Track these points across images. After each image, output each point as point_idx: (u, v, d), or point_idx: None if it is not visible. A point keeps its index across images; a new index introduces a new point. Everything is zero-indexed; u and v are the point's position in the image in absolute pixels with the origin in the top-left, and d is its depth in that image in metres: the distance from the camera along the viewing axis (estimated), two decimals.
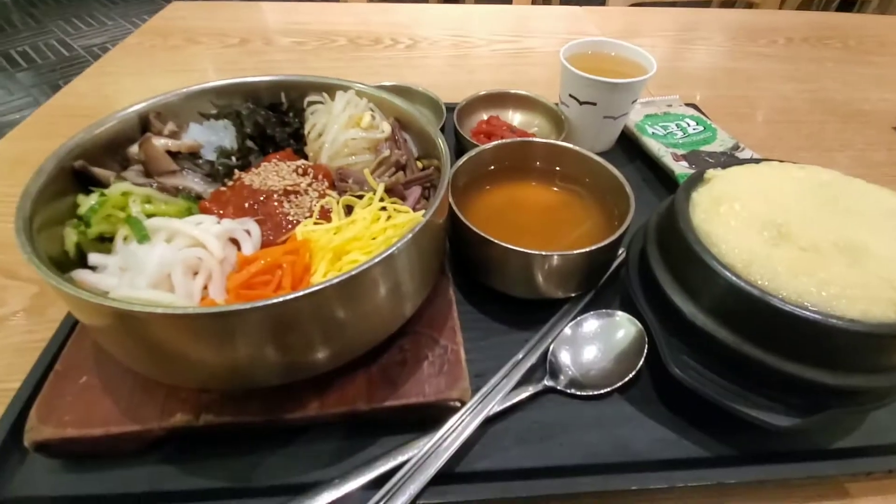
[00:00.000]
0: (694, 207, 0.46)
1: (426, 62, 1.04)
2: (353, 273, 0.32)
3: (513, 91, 0.76)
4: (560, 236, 0.54)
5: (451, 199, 0.48)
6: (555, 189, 0.58)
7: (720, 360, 0.42)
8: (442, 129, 0.72)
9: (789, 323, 0.37)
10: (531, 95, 0.76)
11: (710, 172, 0.49)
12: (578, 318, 0.49)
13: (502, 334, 0.50)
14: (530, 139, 0.57)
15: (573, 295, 0.52)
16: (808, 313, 0.36)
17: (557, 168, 0.58)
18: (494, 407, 0.42)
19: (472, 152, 0.55)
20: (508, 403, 0.43)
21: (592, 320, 0.49)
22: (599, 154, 0.56)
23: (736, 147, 0.72)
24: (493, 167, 0.58)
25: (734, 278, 0.39)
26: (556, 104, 0.75)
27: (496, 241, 0.46)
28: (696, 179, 0.49)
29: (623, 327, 0.48)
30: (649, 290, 0.47)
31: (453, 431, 0.39)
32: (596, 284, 0.53)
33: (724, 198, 0.46)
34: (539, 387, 0.45)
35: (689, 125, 0.77)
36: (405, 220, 0.40)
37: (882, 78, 1.05)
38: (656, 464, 0.41)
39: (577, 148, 0.57)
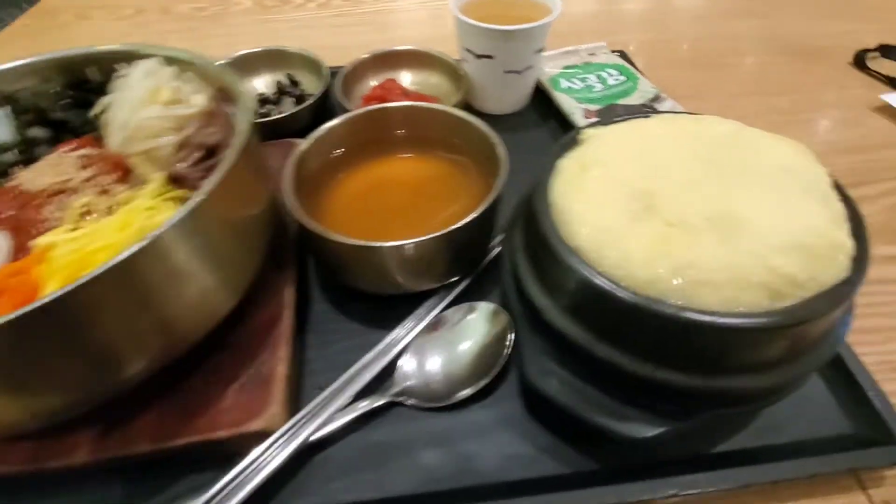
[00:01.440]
0: (557, 176, 0.38)
1: (338, 21, 0.94)
2: (47, 301, 0.25)
3: (404, 48, 0.67)
4: (431, 217, 0.47)
5: (290, 188, 0.41)
6: (425, 162, 0.50)
7: (580, 362, 0.35)
8: (325, 97, 0.64)
9: (640, 318, 0.30)
10: (427, 51, 0.67)
11: (585, 132, 0.41)
12: (438, 315, 0.42)
13: (358, 336, 0.43)
14: (383, 105, 0.49)
15: (440, 286, 0.45)
16: (656, 306, 0.29)
17: (425, 135, 0.50)
18: (318, 432, 0.35)
19: (319, 131, 0.47)
20: (338, 424, 0.37)
21: (452, 316, 0.42)
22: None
23: (656, 98, 0.63)
24: (348, 144, 0.49)
25: (575, 264, 0.31)
26: (459, 60, 0.66)
27: (326, 235, 0.38)
28: (569, 142, 0.41)
29: (487, 323, 0.41)
30: (513, 281, 0.40)
31: (254, 467, 0.33)
32: (471, 272, 0.46)
33: (593, 163, 0.38)
34: (378, 401, 0.38)
35: (610, 76, 0.68)
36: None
37: (846, 6, 0.94)
38: (503, 486, 0.34)
39: (441, 107, 0.48)
